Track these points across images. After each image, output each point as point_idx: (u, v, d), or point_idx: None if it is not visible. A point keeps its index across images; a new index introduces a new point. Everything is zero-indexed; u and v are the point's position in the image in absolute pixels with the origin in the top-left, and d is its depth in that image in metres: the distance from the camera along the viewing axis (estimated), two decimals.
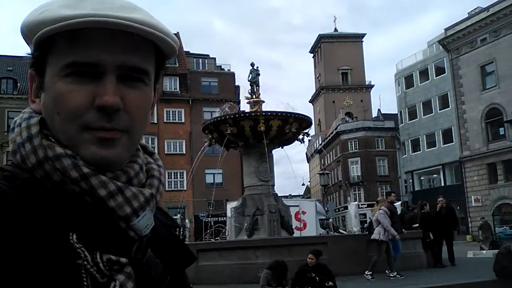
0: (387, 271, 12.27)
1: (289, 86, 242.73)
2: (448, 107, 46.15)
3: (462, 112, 43.85)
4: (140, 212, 0.83)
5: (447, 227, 15.31)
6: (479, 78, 42.25)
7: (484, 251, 22.00)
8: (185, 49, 54.37)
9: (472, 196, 41.89)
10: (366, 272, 12.12)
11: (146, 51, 0.85)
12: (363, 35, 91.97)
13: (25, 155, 0.82)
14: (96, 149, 0.81)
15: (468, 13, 46.40)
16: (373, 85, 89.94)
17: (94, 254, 0.76)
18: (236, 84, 52.37)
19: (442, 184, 46.84)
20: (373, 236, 12.62)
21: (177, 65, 49.70)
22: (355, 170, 64.89)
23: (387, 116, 67.36)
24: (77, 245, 0.75)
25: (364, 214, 57.57)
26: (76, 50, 0.80)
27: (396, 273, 12.22)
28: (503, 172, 39.55)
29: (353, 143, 65.15)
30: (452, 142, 45.54)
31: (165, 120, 48.59)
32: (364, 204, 59.70)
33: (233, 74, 53.81)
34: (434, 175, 50.07)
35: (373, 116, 74.19)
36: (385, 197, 14.36)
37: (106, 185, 0.81)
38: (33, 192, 0.78)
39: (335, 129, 68.91)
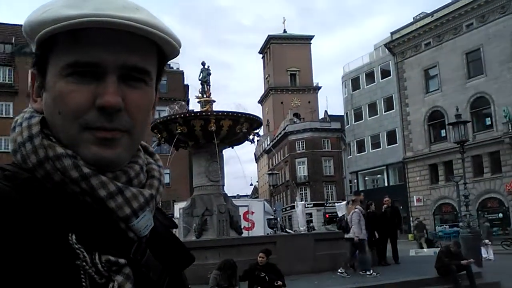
0: (340, 270, 12.53)
1: (239, 86, 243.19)
2: (393, 109, 47.45)
3: (406, 114, 45.22)
4: (140, 213, 0.83)
5: (392, 226, 15.68)
6: (422, 81, 43.70)
7: (425, 250, 22.81)
8: None
9: (414, 196, 43.30)
10: (360, 272, 12.57)
11: (147, 51, 0.85)
12: (311, 37, 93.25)
13: (26, 155, 0.82)
14: (97, 149, 0.81)
15: (413, 18, 47.89)
16: (320, 87, 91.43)
17: (93, 255, 0.76)
18: (185, 83, 51.98)
19: (386, 184, 48.14)
20: (348, 235, 12.92)
21: None
22: (302, 170, 65.76)
23: (334, 118, 68.61)
24: (76, 246, 0.75)
25: (310, 214, 58.49)
26: (78, 49, 0.80)
27: (344, 271, 12.48)
28: (444, 172, 41.05)
29: (300, 143, 65.99)
30: (396, 143, 46.87)
31: None
32: (310, 204, 60.59)
33: (182, 73, 53.36)
34: (378, 175, 51.39)
35: (320, 118, 75.40)
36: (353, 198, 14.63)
37: (106, 185, 0.81)
38: (33, 192, 0.78)
39: (283, 129, 69.57)
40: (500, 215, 37.39)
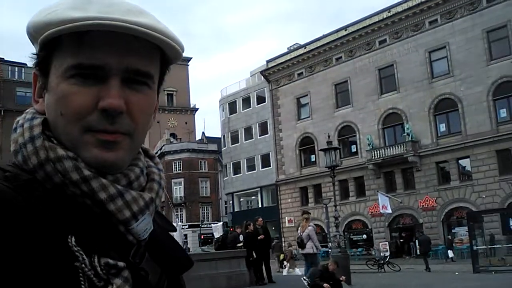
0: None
1: None
2: (267, 133, 49.22)
3: (279, 139, 47.18)
4: (139, 216, 0.83)
5: (265, 246, 16.17)
6: (295, 109, 45.99)
7: (297, 269, 23.80)
8: None
9: (286, 217, 44.96)
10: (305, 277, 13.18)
11: (151, 55, 0.86)
12: (189, 59, 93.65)
13: (27, 156, 0.82)
14: (98, 152, 0.81)
15: (288, 48, 50.36)
16: (197, 108, 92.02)
17: (92, 257, 0.76)
18: None
19: (260, 206, 49.54)
20: (306, 251, 13.65)
21: None
22: (179, 190, 65.34)
23: (211, 139, 69.29)
24: (75, 248, 0.75)
25: (186, 235, 58.14)
26: (81, 52, 0.80)
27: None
28: (313, 195, 43.28)
29: (177, 164, 65.61)
30: (270, 166, 48.57)
31: None
32: (186, 225, 60.27)
33: None
34: (253, 197, 52.74)
35: (198, 139, 75.70)
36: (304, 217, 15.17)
37: (106, 188, 0.80)
38: (33, 193, 0.78)
39: (160, 149, 68.78)
40: (364, 236, 40.17)
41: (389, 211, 32.04)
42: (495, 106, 33.73)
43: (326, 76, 43.46)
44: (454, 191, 35.26)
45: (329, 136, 21.69)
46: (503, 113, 33.47)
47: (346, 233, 39.84)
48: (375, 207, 36.49)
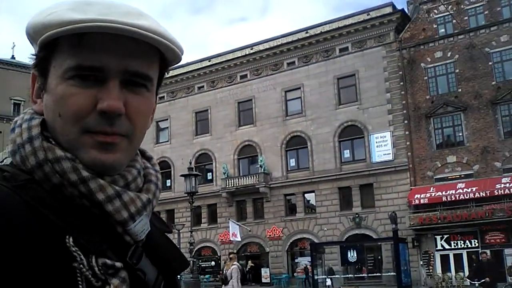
0: None
1: None
2: None
3: None
4: (137, 217, 0.83)
5: None
6: (153, 132, 45.70)
7: None
8: None
9: None
10: None
11: (150, 57, 0.86)
12: None
13: (25, 156, 0.82)
14: (96, 153, 0.81)
15: None
16: None
17: (89, 257, 0.77)
18: None
19: None
20: (228, 287, 14.07)
21: None
22: None
23: None
24: (73, 249, 0.75)
25: None
26: (81, 53, 0.80)
27: None
28: (166, 220, 42.82)
29: None
30: None
31: None
32: None
33: None
34: None
35: None
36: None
37: (104, 189, 0.81)
38: (31, 194, 0.78)
39: (1, 161, 63.64)
40: (213, 263, 40.74)
41: (239, 238, 33.09)
42: (340, 147, 36.88)
43: (188, 103, 44.08)
44: (299, 223, 37.49)
45: (190, 163, 22.23)
46: (347, 153, 36.73)
47: (194, 260, 40.12)
48: (226, 235, 37.32)
